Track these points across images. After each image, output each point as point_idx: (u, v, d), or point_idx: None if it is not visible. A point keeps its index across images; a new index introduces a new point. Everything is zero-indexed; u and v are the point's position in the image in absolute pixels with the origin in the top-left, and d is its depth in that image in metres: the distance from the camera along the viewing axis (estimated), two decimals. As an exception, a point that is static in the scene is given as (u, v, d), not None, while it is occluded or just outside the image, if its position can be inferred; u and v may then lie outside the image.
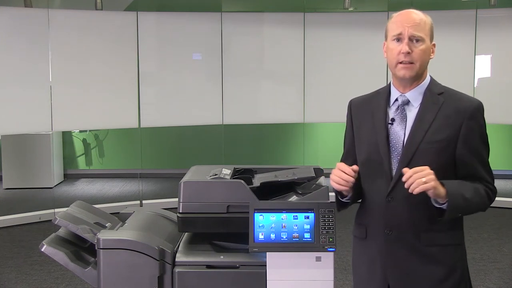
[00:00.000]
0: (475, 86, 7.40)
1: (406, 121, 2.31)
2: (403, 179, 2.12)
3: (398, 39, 2.30)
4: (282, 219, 2.61)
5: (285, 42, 7.73)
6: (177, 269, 2.69)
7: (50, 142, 8.90)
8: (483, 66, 7.50)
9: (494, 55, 7.52)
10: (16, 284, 4.97)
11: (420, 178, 2.08)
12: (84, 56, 7.10)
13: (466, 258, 2.40)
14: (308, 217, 2.61)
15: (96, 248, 2.71)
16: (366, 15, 7.91)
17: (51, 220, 2.97)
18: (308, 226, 2.60)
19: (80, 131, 9.60)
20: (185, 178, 2.82)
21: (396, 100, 2.36)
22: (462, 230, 2.37)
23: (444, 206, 2.17)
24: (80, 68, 7.07)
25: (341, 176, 2.27)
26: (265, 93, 7.90)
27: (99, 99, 7.18)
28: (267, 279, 2.63)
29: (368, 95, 2.53)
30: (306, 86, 7.72)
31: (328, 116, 7.89)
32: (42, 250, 2.80)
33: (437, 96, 2.31)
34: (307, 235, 2.60)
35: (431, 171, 2.11)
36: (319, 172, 3.05)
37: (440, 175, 2.16)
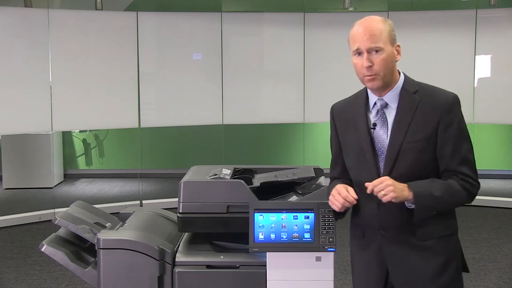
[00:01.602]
0: (475, 86, 7.40)
1: (387, 124, 2.37)
2: (368, 191, 2.25)
3: (359, 53, 2.36)
4: (282, 219, 2.61)
5: (285, 42, 7.73)
6: (177, 269, 2.69)
7: (50, 142, 8.90)
8: (483, 66, 7.50)
9: (494, 55, 7.52)
10: (16, 284, 4.97)
11: (379, 191, 2.21)
12: (84, 56, 7.10)
13: (460, 246, 2.47)
14: (308, 217, 2.61)
15: (96, 248, 2.71)
16: (366, 15, 7.85)
17: (51, 220, 2.97)
18: (308, 226, 2.60)
19: (80, 131, 9.60)
20: (185, 178, 2.82)
21: (375, 104, 2.42)
22: (455, 219, 2.44)
23: (412, 207, 2.28)
24: (80, 68, 7.07)
25: (343, 203, 2.38)
26: (265, 93, 7.90)
27: (99, 99, 7.18)
28: (267, 279, 2.63)
29: (348, 99, 2.62)
30: (306, 86, 7.72)
31: (328, 116, 7.88)
32: (42, 250, 2.80)
33: (412, 95, 2.36)
34: (307, 235, 2.60)
35: (389, 182, 2.21)
36: (319, 172, 3.05)
37: (423, 173, 2.29)
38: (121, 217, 3.14)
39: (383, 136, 2.37)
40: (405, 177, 2.29)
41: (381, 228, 2.38)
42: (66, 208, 3.05)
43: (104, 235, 2.72)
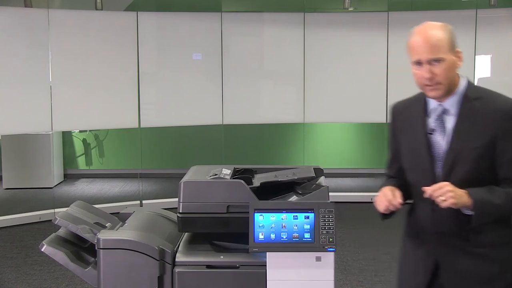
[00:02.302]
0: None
1: (445, 130, 2.36)
2: (426, 195, 2.24)
3: (418, 63, 2.32)
4: (282, 219, 2.61)
5: (285, 42, 7.73)
6: (177, 269, 2.69)
7: (50, 142, 8.89)
8: (483, 66, 7.50)
9: (494, 55, 7.52)
10: (16, 284, 4.98)
11: (438, 196, 2.20)
12: (84, 56, 7.10)
13: None
14: (308, 217, 2.61)
15: (96, 248, 2.71)
16: (366, 15, 7.92)
17: (51, 220, 2.97)
18: (308, 226, 2.60)
19: (80, 131, 9.59)
20: (185, 178, 2.82)
21: (435, 109, 2.40)
22: (511, 228, 2.40)
23: (470, 213, 2.26)
24: (80, 68, 7.07)
25: (387, 207, 2.38)
26: (265, 93, 7.90)
27: (99, 99, 7.18)
28: (267, 279, 2.64)
29: (409, 100, 2.57)
30: (306, 86, 7.71)
31: (328, 116, 7.90)
32: (42, 250, 2.80)
33: (473, 101, 2.34)
34: (307, 235, 2.60)
35: (449, 188, 2.20)
36: (319, 172, 3.05)
37: (481, 180, 2.28)
38: (121, 217, 3.14)
39: (440, 142, 2.37)
40: (462, 183, 2.27)
41: (435, 232, 2.39)
42: (66, 208, 3.05)
43: (104, 235, 2.72)
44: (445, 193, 2.19)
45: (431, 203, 2.29)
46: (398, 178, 2.57)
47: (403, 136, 2.51)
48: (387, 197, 2.37)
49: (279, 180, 2.89)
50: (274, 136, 9.59)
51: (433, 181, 2.31)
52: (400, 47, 7.74)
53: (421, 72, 2.31)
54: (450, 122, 2.36)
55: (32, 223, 6.89)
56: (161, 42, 7.57)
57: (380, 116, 7.63)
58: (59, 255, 2.79)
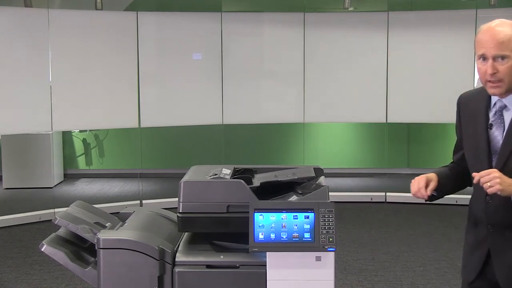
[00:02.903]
0: (475, 85, 7.39)
1: (504, 125, 2.41)
2: (474, 182, 2.29)
3: (484, 58, 2.37)
4: (282, 219, 2.61)
5: (285, 42, 7.74)
6: (177, 269, 2.69)
7: (50, 142, 8.89)
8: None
9: (494, 55, 7.52)
10: (16, 284, 4.98)
11: (485, 182, 2.24)
12: (84, 56, 7.10)
13: None
14: (308, 217, 2.61)
15: (96, 248, 2.71)
16: (366, 15, 7.92)
17: (51, 220, 2.96)
18: (308, 226, 2.60)
19: (80, 131, 9.60)
20: (185, 178, 2.82)
21: (495, 104, 2.44)
22: None
23: None
24: (80, 68, 7.07)
25: (414, 194, 2.49)
26: (265, 93, 7.90)
27: (99, 99, 7.19)
28: (267, 279, 2.63)
29: (475, 91, 2.60)
30: (306, 86, 7.72)
31: (328, 116, 7.90)
32: (42, 250, 2.80)
33: None
34: (307, 235, 2.60)
35: (497, 174, 2.24)
36: (319, 172, 3.05)
37: None
38: (121, 217, 3.14)
39: (498, 137, 2.42)
40: None
41: (489, 223, 2.44)
42: (66, 208, 3.05)
43: (104, 235, 2.72)
44: (492, 179, 2.23)
45: (485, 194, 2.35)
46: (458, 165, 2.65)
47: (466, 127, 2.56)
48: (419, 185, 2.46)
49: (279, 180, 2.89)
50: (274, 136, 9.60)
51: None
52: (400, 46, 7.80)
53: (485, 67, 2.35)
54: (508, 117, 2.40)
55: (32, 223, 6.89)
56: (161, 42, 7.57)
57: (380, 116, 7.64)
58: (59, 255, 2.78)
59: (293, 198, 2.83)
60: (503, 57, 2.31)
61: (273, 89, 7.88)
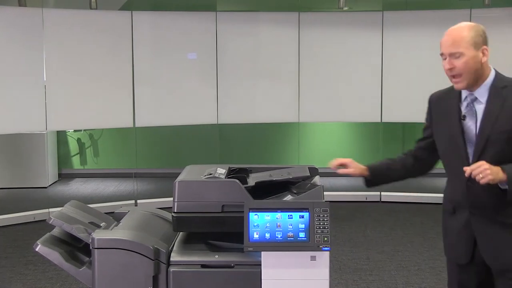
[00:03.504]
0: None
1: (476, 116, 2.66)
2: (466, 175, 2.50)
3: (443, 57, 2.68)
4: (277, 218, 2.61)
5: (280, 42, 7.73)
6: (172, 269, 2.69)
7: (44, 142, 8.87)
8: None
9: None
10: (11, 284, 4.96)
11: (477, 174, 2.45)
12: (79, 56, 7.08)
13: None
14: (302, 217, 2.61)
15: (90, 247, 2.70)
16: (361, 14, 7.93)
17: (45, 219, 2.95)
18: (303, 226, 2.61)
19: (75, 131, 9.57)
20: (180, 178, 2.82)
21: (466, 98, 2.71)
22: None
23: (506, 187, 2.53)
24: (74, 68, 7.06)
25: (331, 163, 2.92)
26: (260, 92, 7.89)
27: (94, 99, 7.17)
28: (262, 278, 2.64)
29: (445, 90, 2.88)
30: (301, 86, 7.72)
31: (323, 115, 7.90)
32: (37, 249, 2.79)
33: (500, 90, 2.65)
34: (302, 235, 2.60)
35: (486, 166, 2.45)
36: (314, 171, 3.05)
37: (509, 160, 2.54)
38: (115, 217, 3.14)
39: (471, 127, 2.66)
40: (492, 164, 2.49)
41: (471, 206, 2.67)
42: (61, 208, 3.05)
43: (99, 235, 2.72)
44: (483, 171, 2.44)
45: (466, 180, 2.59)
46: (415, 155, 2.97)
47: (439, 122, 2.82)
48: (336, 160, 2.94)
49: (274, 179, 2.89)
50: (269, 136, 9.60)
51: (466, 162, 2.63)
52: (395, 46, 7.81)
53: (444, 64, 2.66)
54: (480, 109, 2.65)
55: (27, 222, 6.87)
56: (155, 41, 7.55)
57: (375, 115, 7.64)
58: (54, 255, 2.78)
59: (288, 197, 2.83)
60: (457, 54, 2.62)
61: (268, 88, 7.88)
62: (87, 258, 2.86)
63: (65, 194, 8.52)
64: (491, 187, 2.54)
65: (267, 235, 2.60)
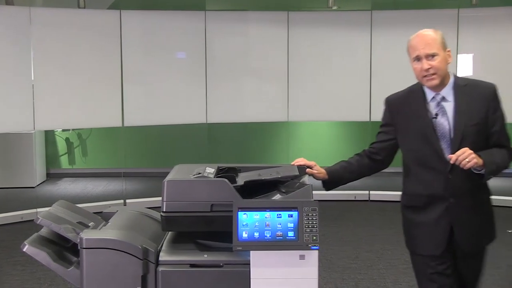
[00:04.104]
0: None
1: (446, 113, 2.91)
2: (451, 162, 2.75)
3: (418, 59, 2.91)
4: (265, 217, 2.61)
5: (269, 41, 7.74)
6: (160, 268, 2.68)
7: (32, 141, 8.83)
8: (465, 64, 7.56)
9: (475, 54, 7.58)
10: (-2, 285, 4.94)
11: (464, 159, 2.70)
12: (67, 55, 7.05)
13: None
14: (291, 216, 2.61)
15: (79, 247, 2.69)
16: (349, 14, 7.94)
17: (33, 220, 2.94)
18: (292, 225, 2.60)
19: (63, 130, 9.53)
20: (168, 177, 2.81)
21: (434, 98, 2.95)
22: (488, 187, 3.04)
23: (482, 172, 2.79)
24: (62, 67, 7.03)
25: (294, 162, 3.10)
26: (249, 91, 7.89)
27: (82, 98, 7.14)
28: (251, 277, 2.63)
29: (403, 93, 3.11)
30: (290, 85, 7.73)
31: (312, 114, 7.91)
32: (24, 250, 2.78)
33: (463, 88, 2.93)
34: (290, 234, 2.60)
35: (470, 151, 2.72)
36: (302, 170, 3.05)
37: (481, 148, 2.82)
38: (104, 217, 3.12)
39: (444, 123, 2.90)
40: None
41: (451, 196, 2.90)
42: (49, 208, 3.03)
43: (87, 235, 2.71)
44: (468, 156, 2.70)
45: (447, 172, 2.86)
46: (371, 153, 3.14)
47: (407, 122, 3.00)
48: (298, 160, 3.08)
49: (263, 178, 2.88)
50: (258, 135, 9.60)
51: (440, 155, 2.88)
52: (383, 45, 7.83)
53: (420, 66, 2.88)
54: (449, 107, 2.92)
55: (14, 223, 6.84)
56: (144, 40, 7.54)
57: (364, 114, 7.67)
58: (42, 255, 2.76)
59: (277, 196, 2.82)
60: (433, 55, 2.87)
61: (257, 88, 7.88)
62: (75, 258, 2.84)
63: (53, 194, 8.49)
64: (469, 176, 2.82)
65: (256, 234, 2.60)
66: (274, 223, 2.61)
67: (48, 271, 4.90)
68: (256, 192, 2.83)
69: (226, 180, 2.73)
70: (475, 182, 2.87)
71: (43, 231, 2.95)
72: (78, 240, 2.70)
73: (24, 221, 6.84)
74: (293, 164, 3.04)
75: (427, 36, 2.91)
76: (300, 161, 3.06)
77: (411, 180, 3.04)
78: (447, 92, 2.93)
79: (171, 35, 7.52)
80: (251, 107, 7.86)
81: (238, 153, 9.50)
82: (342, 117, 8.20)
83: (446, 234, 2.93)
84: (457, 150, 2.77)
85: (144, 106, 7.57)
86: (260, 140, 9.67)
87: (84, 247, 2.67)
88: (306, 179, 3.01)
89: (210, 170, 2.88)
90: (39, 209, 6.89)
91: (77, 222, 2.93)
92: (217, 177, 2.84)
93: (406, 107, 3.02)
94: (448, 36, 7.66)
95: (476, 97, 2.90)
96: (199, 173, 2.80)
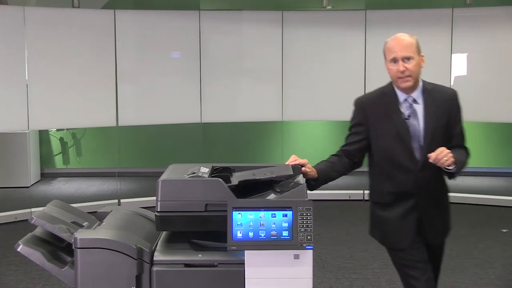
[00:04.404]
0: (451, 84, 7.46)
1: (417, 115, 3.09)
2: (430, 160, 2.91)
3: (394, 61, 3.06)
4: (260, 217, 2.61)
5: (264, 41, 7.74)
6: (155, 268, 2.68)
7: (26, 141, 8.81)
8: (459, 64, 7.58)
9: (470, 54, 7.60)
10: (-8, 285, 4.93)
11: (443, 158, 2.88)
12: (61, 54, 7.04)
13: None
14: (286, 215, 2.61)
15: (73, 247, 2.68)
16: (344, 13, 7.95)
17: (27, 219, 2.93)
18: (286, 224, 2.61)
19: (57, 130, 9.51)
20: (163, 177, 2.81)
21: (406, 100, 3.11)
22: (446, 182, 3.24)
23: (452, 170, 2.97)
24: (57, 66, 7.01)
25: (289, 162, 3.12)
26: (244, 91, 7.90)
27: (77, 98, 7.13)
28: (245, 277, 2.63)
29: (374, 94, 3.28)
30: (284, 85, 7.73)
31: (307, 114, 7.92)
32: (18, 250, 2.77)
33: (430, 92, 3.12)
34: (285, 233, 2.60)
35: (447, 151, 2.90)
36: (297, 170, 3.05)
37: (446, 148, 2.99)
38: (98, 216, 3.12)
39: (415, 125, 3.07)
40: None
41: (418, 193, 3.09)
42: (43, 208, 3.02)
43: (81, 235, 2.70)
44: (445, 155, 2.88)
45: (418, 170, 3.05)
46: (349, 154, 3.25)
47: (380, 123, 3.13)
48: (291, 159, 3.11)
49: (257, 178, 2.88)
50: (252, 134, 9.60)
51: (412, 154, 3.06)
52: (378, 45, 7.77)
53: (396, 67, 3.04)
54: (419, 109, 3.09)
55: (8, 222, 6.82)
56: (139, 40, 7.53)
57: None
58: (36, 255, 2.76)
59: (272, 196, 2.83)
60: (408, 58, 3.03)
61: (251, 87, 7.88)
62: (70, 258, 2.84)
63: (47, 193, 8.47)
64: (435, 174, 3.05)
65: (251, 234, 2.60)
66: (268, 222, 2.61)
67: (42, 271, 4.90)
68: (251, 191, 2.83)
69: (220, 179, 2.73)
70: (439, 179, 3.13)
71: (37, 231, 2.94)
72: (73, 240, 2.69)
73: (18, 221, 6.83)
74: (288, 164, 3.05)
75: (404, 40, 3.06)
76: (293, 159, 3.10)
77: (381, 178, 3.20)
78: (418, 95, 3.10)
79: (166, 35, 7.51)
80: (246, 106, 7.86)
81: (233, 153, 9.49)
82: (337, 117, 8.18)
83: (414, 228, 3.12)
84: (427, 150, 2.96)
85: (139, 105, 7.56)
86: (255, 139, 9.67)
87: (78, 247, 2.66)
88: (301, 178, 3.01)
89: (205, 170, 2.88)
90: (33, 209, 6.87)
91: (71, 222, 2.93)
92: (212, 176, 2.84)
93: (379, 108, 3.15)
94: (442, 35, 7.77)
95: (441, 100, 3.10)
96: (194, 173, 2.80)
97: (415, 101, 3.10)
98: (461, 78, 7.56)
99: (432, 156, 2.90)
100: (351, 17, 7.72)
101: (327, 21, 7.78)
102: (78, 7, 7.10)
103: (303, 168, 3.06)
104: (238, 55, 7.82)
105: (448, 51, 7.43)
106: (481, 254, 5.64)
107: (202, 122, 7.70)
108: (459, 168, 3.01)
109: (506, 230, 6.40)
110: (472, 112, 7.54)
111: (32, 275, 5.10)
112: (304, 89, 7.72)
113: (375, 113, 3.16)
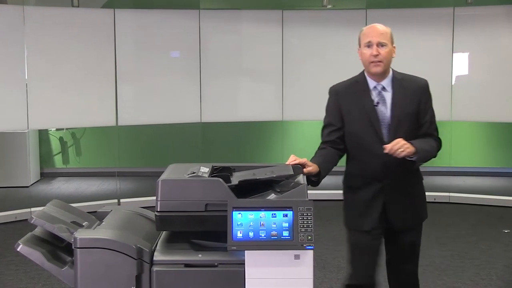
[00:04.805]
0: (452, 83, 7.46)
1: (386, 102, 3.22)
2: (386, 151, 3.01)
3: (369, 45, 3.20)
4: (260, 217, 2.60)
5: (264, 40, 7.73)
6: (155, 268, 2.67)
7: (26, 141, 8.79)
8: (461, 63, 7.57)
9: (471, 53, 7.59)
10: (-8, 285, 4.92)
11: (399, 149, 2.99)
12: (61, 54, 7.03)
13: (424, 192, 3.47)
14: (286, 215, 2.60)
15: (73, 247, 2.68)
16: (344, 12, 7.94)
17: (27, 219, 2.92)
18: (287, 224, 2.60)
19: (57, 129, 9.50)
20: (163, 177, 2.80)
21: (375, 87, 3.24)
22: (419, 171, 3.37)
23: (414, 159, 3.09)
24: (56, 66, 7.00)
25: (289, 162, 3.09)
26: (243, 91, 7.89)
27: (76, 97, 7.12)
28: (246, 277, 2.63)
29: (348, 82, 3.42)
30: (284, 84, 7.72)
31: (307, 114, 7.90)
32: (18, 249, 2.76)
33: (400, 81, 3.24)
34: (285, 233, 2.59)
35: (404, 141, 3.00)
36: (297, 170, 3.04)
37: (413, 136, 3.15)
38: (98, 216, 3.11)
39: (384, 111, 3.20)
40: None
41: (385, 178, 3.20)
42: (43, 207, 3.01)
43: (81, 234, 2.69)
44: (402, 146, 2.99)
45: (383, 157, 3.09)
46: (334, 144, 3.31)
47: (352, 108, 3.27)
48: (291, 159, 3.08)
49: (258, 178, 2.87)
50: (252, 134, 9.59)
51: (381, 140, 3.16)
52: (378, 45, 7.82)
53: (370, 51, 3.17)
54: (388, 96, 3.23)
55: (8, 222, 6.81)
56: (138, 39, 7.52)
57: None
58: (35, 255, 2.75)
59: (272, 196, 2.82)
60: (382, 44, 3.16)
61: (251, 87, 7.87)
62: (70, 258, 2.83)
63: (47, 193, 8.46)
64: (402, 161, 3.08)
65: (251, 234, 2.59)
66: (269, 222, 2.60)
67: (42, 271, 4.89)
68: (251, 191, 2.82)
69: (220, 179, 2.72)
70: (407, 166, 3.17)
71: (37, 231, 2.93)
72: (72, 240, 2.69)
73: (18, 220, 6.82)
74: (288, 164, 3.04)
75: (381, 28, 3.21)
76: (292, 159, 3.10)
77: (352, 162, 3.34)
78: (387, 83, 3.23)
79: (165, 34, 7.50)
80: (246, 106, 7.85)
81: (233, 153, 9.48)
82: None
83: (379, 212, 3.25)
84: (394, 137, 3.08)
85: (138, 105, 7.56)
86: (255, 139, 9.66)
87: (78, 246, 2.65)
88: (301, 178, 3.00)
89: (205, 170, 2.88)
90: (33, 209, 6.86)
91: (71, 222, 2.92)
92: (212, 176, 2.83)
93: (351, 95, 3.30)
94: (444, 34, 7.75)
95: (411, 90, 3.22)
96: (194, 173, 2.79)
97: (384, 88, 3.22)
98: (463, 77, 7.55)
99: (387, 147, 3.01)
100: (351, 16, 7.71)
101: (327, 20, 7.77)
102: (78, 6, 7.09)
103: (305, 169, 3.07)
104: (238, 54, 7.81)
105: (449, 50, 7.42)
106: (482, 255, 5.63)
107: (202, 121, 7.69)
108: (421, 157, 3.11)
109: (508, 231, 6.39)
110: (473, 112, 7.56)
111: (32, 274, 5.09)
112: (304, 88, 7.71)
113: (347, 99, 3.31)
